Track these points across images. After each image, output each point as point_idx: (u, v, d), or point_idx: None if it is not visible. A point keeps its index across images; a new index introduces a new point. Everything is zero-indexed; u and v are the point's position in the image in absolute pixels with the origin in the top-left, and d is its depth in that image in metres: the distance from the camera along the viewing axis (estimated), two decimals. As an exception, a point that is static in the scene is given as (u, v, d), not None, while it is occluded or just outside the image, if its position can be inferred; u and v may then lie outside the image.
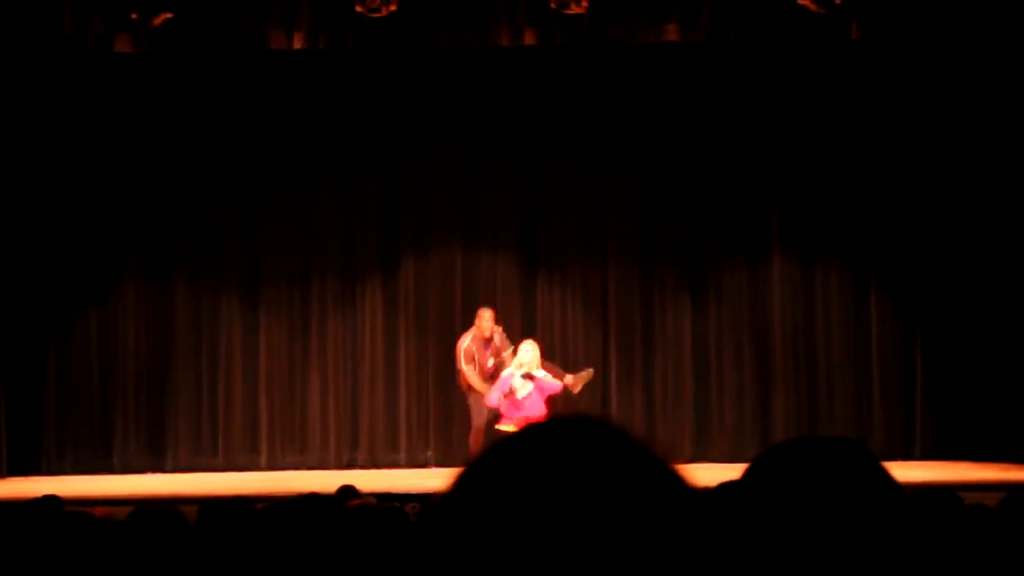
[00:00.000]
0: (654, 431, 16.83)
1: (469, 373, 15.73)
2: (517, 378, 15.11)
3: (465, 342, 15.88)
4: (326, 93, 17.43)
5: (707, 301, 17.42)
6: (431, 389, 17.42)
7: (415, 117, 17.49)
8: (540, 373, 15.17)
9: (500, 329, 16.10)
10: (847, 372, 17.31)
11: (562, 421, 1.35)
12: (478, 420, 15.74)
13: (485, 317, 15.91)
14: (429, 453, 17.32)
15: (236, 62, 17.10)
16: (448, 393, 17.18)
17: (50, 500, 7.80)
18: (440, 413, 17.35)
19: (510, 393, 15.05)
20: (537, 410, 14.75)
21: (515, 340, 16.32)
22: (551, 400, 15.21)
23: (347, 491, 9.02)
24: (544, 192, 17.60)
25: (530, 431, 1.34)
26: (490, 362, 15.70)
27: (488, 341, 15.79)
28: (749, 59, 17.16)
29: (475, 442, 15.65)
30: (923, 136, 17.02)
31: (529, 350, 15.25)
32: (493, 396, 15.17)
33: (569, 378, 15.50)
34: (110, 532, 4.57)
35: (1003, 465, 15.31)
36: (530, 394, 14.96)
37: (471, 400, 15.87)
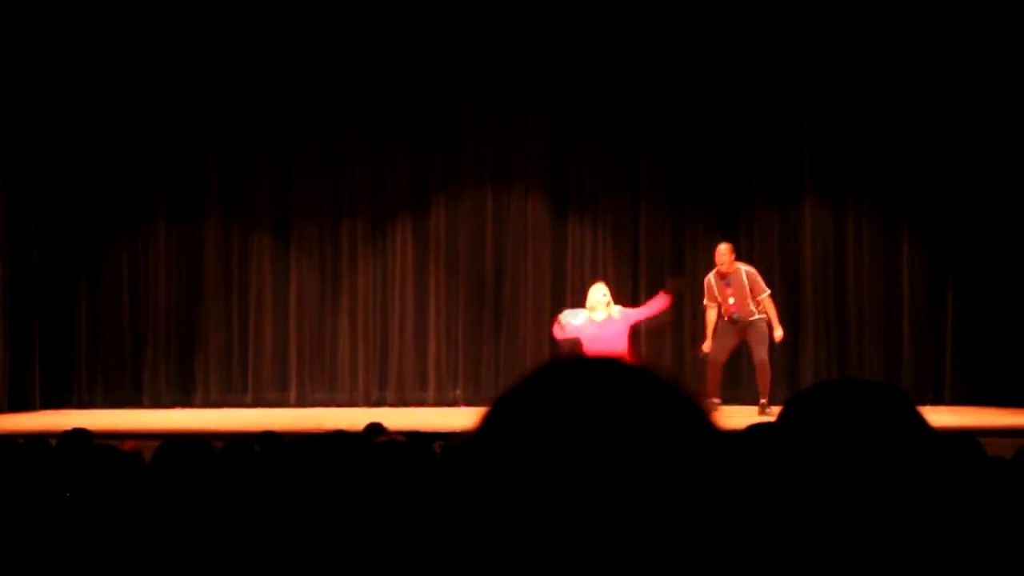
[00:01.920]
0: (684, 374, 16.80)
1: (709, 308, 15.53)
2: (575, 315, 15.01)
3: (708, 277, 15.62)
4: (358, 31, 17.39)
5: (738, 243, 17.32)
6: (460, 328, 17.44)
7: (446, 56, 17.45)
8: (616, 310, 14.99)
9: (753, 271, 15.59)
10: (877, 316, 17.26)
11: (589, 359, 1.34)
12: (717, 354, 15.52)
13: (719, 251, 15.57)
14: (457, 392, 17.35)
15: (269, 0, 17.10)
16: (476, 333, 17.22)
17: (79, 433, 7.84)
18: (469, 352, 17.38)
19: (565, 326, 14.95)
20: (615, 349, 14.54)
21: (546, 283, 16.30)
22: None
23: (375, 428, 9.04)
24: (575, 133, 17.55)
25: (555, 368, 1.33)
26: (730, 300, 15.40)
27: (724, 276, 15.49)
28: (782, 2, 17.06)
29: (712, 375, 15.45)
30: (956, 79, 16.89)
31: (596, 291, 15.08)
32: (566, 329, 15.00)
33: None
34: (137, 465, 4.59)
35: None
36: (601, 335, 14.80)
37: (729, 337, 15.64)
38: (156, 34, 17.29)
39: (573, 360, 1.35)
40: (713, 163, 17.39)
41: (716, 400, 15.44)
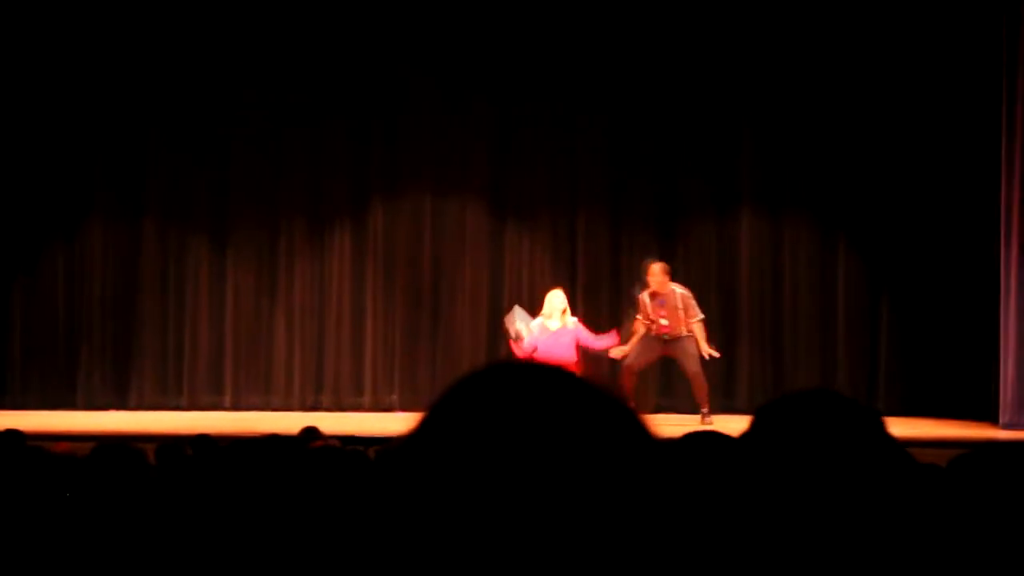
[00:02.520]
0: (609, 382, 16.82)
1: (639, 322, 15.48)
2: (523, 319, 15.05)
3: (642, 294, 15.56)
4: (297, 32, 17.34)
5: (675, 252, 17.39)
6: (397, 334, 17.41)
7: (387, 59, 17.42)
8: (571, 320, 15.03)
9: (687, 294, 15.52)
10: (813, 326, 17.34)
11: (522, 364, 1.34)
12: (634, 360, 15.48)
13: (652, 271, 15.54)
14: (394, 397, 17.32)
15: None
16: (413, 338, 17.21)
17: (11, 434, 7.78)
18: (405, 358, 17.36)
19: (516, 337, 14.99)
20: (564, 358, 14.54)
21: (483, 288, 16.31)
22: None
23: (310, 432, 9.02)
24: (516, 140, 17.55)
25: (489, 373, 1.33)
26: (663, 321, 15.38)
27: (656, 296, 15.46)
28: (723, 7, 17.12)
29: (627, 380, 15.44)
30: (896, 94, 16.99)
31: (553, 298, 15.11)
32: (524, 346, 15.01)
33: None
34: (69, 467, 4.56)
35: (963, 422, 15.42)
36: (553, 343, 14.83)
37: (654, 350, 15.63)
38: (97, 33, 17.19)
39: (506, 365, 1.34)
40: (652, 173, 17.42)
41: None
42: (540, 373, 1.32)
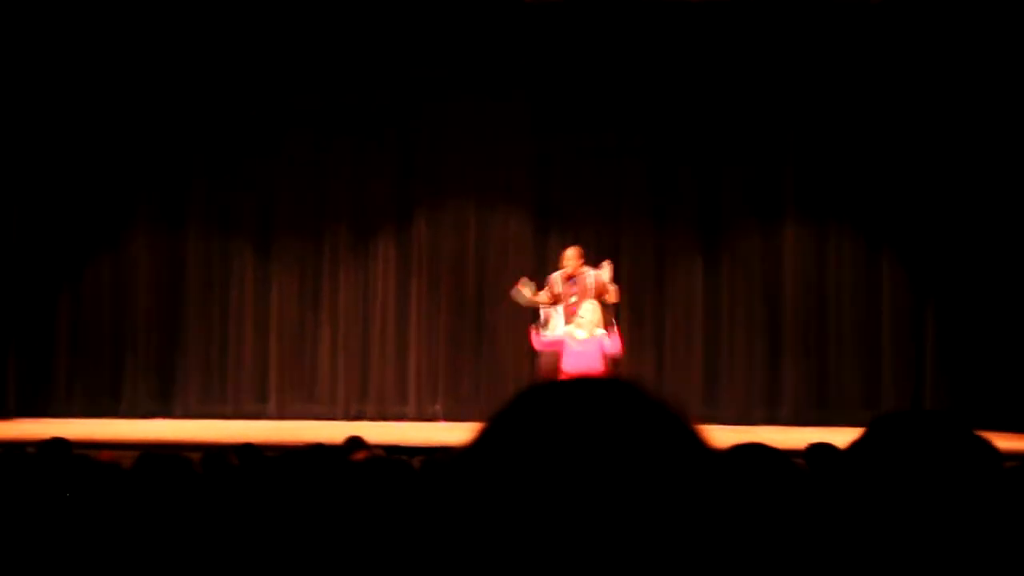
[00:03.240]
0: (663, 392, 16.77)
1: (539, 295, 15.63)
2: (561, 331, 15.07)
3: (553, 274, 15.72)
4: (344, 43, 17.38)
5: (719, 263, 17.38)
6: (441, 343, 17.41)
7: (432, 70, 17.43)
8: (598, 333, 15.07)
9: (602, 273, 15.71)
10: (857, 339, 17.28)
11: (586, 378, 1.34)
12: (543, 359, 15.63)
13: (566, 255, 15.70)
14: (437, 407, 17.32)
15: (255, 10, 17.06)
16: (458, 347, 17.20)
17: (57, 443, 7.81)
18: (449, 367, 17.35)
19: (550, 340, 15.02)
20: (592, 370, 14.59)
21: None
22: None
23: (354, 442, 9.02)
24: (559, 150, 17.54)
25: (551, 387, 1.33)
26: (571, 299, 15.53)
27: (571, 278, 15.60)
28: (768, 21, 17.09)
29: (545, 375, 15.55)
30: (941, 104, 16.93)
31: (587, 310, 15.15)
32: (543, 339, 15.09)
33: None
34: (114, 476, 4.57)
35: (1012, 434, 15.30)
36: (581, 352, 14.85)
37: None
38: (142, 44, 17.25)
39: (568, 380, 1.34)
40: (696, 182, 17.40)
41: None
42: (602, 387, 1.31)
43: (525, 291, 15.38)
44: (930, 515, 1.94)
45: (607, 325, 15.14)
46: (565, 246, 17.31)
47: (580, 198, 17.55)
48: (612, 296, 15.40)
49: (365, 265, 17.66)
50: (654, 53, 17.34)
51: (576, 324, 15.02)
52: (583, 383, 1.33)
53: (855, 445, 2.09)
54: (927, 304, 17.15)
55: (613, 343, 15.17)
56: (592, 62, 17.40)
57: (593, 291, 15.46)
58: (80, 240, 17.39)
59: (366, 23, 17.29)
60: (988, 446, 2.04)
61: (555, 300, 15.52)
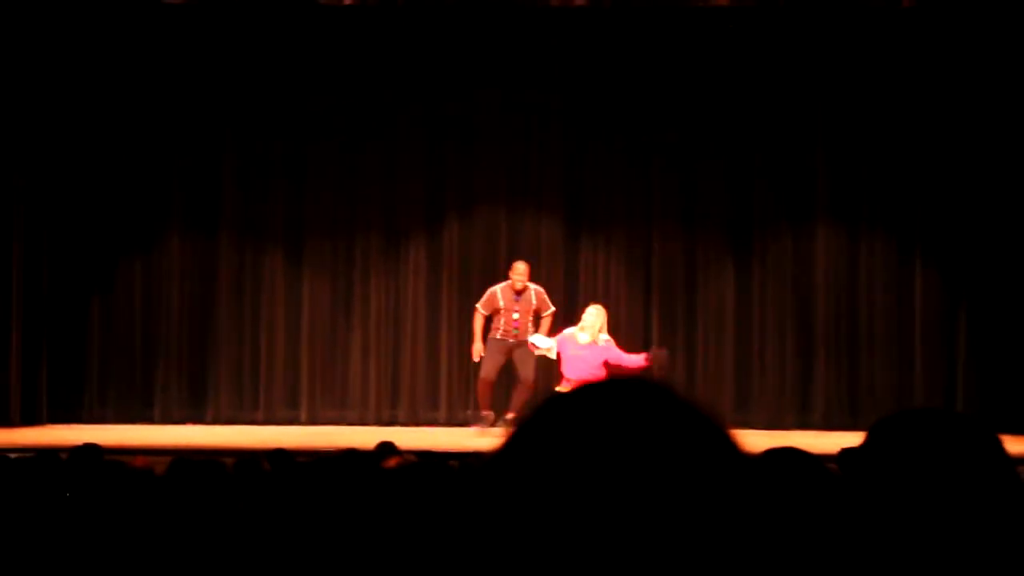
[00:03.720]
0: (695, 395, 16.74)
1: (476, 315, 15.78)
2: (564, 337, 15.08)
3: (496, 286, 15.89)
4: (374, 48, 17.40)
5: (750, 267, 17.36)
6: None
7: (462, 75, 17.45)
8: (602, 338, 15.08)
9: (541, 290, 16.02)
10: (889, 341, 17.22)
11: (617, 381, 1.33)
12: (484, 372, 15.77)
13: (517, 270, 15.90)
14: (469, 412, 17.30)
15: (285, 16, 17.09)
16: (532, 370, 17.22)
17: (90, 449, 7.82)
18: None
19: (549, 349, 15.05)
20: (593, 376, 14.59)
21: (558, 303, 16.30)
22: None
23: (386, 447, 9.03)
24: (590, 154, 17.54)
25: (582, 391, 1.32)
26: (515, 315, 15.69)
27: (519, 293, 15.77)
28: (799, 25, 17.05)
29: (483, 393, 15.73)
30: (973, 106, 16.87)
31: (592, 314, 15.17)
32: (540, 340, 15.16)
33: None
34: (147, 481, 4.58)
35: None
36: (582, 358, 14.86)
37: (497, 356, 15.84)
38: (173, 50, 17.31)
39: (601, 383, 1.33)
40: (727, 187, 17.37)
41: (489, 414, 15.65)
42: (634, 390, 1.31)
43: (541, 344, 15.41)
44: (938, 516, 1.93)
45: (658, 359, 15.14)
46: (596, 251, 17.36)
47: (611, 202, 17.55)
48: (549, 317, 15.71)
49: (396, 270, 17.68)
50: (685, 57, 17.33)
51: (580, 328, 15.05)
52: (614, 386, 1.32)
53: (864, 446, 2.08)
54: (959, 307, 17.09)
55: (630, 357, 15.09)
56: (623, 66, 17.40)
57: (533, 308, 15.67)
58: (112, 246, 17.43)
59: (396, 28, 17.30)
60: (998, 446, 2.02)
61: (496, 312, 15.63)
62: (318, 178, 17.56)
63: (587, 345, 14.95)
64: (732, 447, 1.31)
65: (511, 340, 15.71)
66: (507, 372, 16.04)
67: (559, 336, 15.15)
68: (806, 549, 1.92)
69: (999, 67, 16.69)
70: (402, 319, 17.62)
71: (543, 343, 15.15)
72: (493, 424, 15.61)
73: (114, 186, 17.36)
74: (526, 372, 15.66)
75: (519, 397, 15.57)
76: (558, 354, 15.10)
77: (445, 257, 17.63)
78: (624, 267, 17.59)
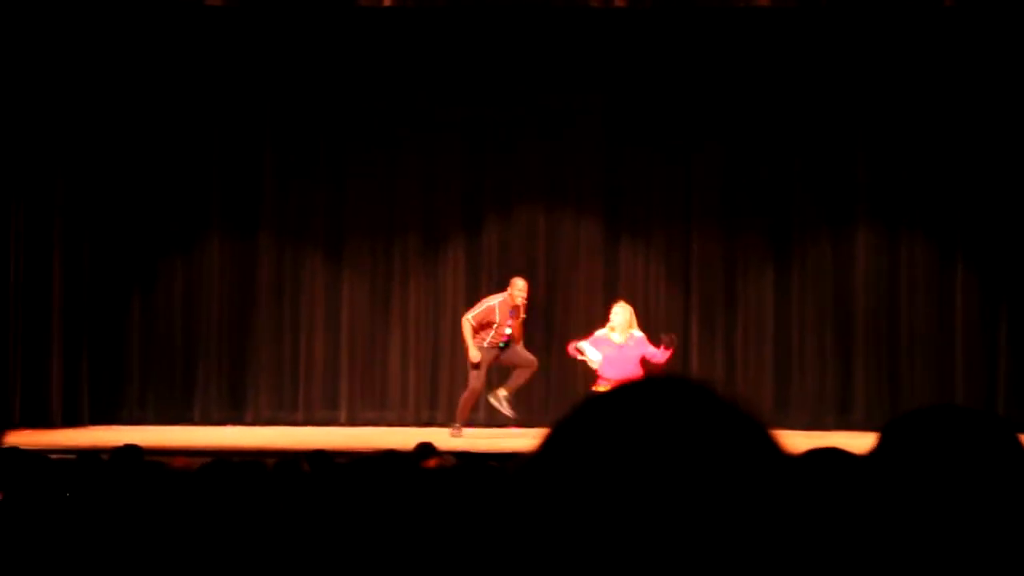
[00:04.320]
0: (736, 395, 16.70)
1: (466, 325, 15.73)
2: (598, 339, 15.05)
3: (493, 300, 15.83)
4: (413, 50, 17.41)
5: (790, 270, 17.31)
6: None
7: (501, 76, 17.46)
8: (635, 334, 15.04)
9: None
10: (929, 346, 17.15)
11: (656, 380, 1.32)
12: (477, 382, 15.75)
13: (518, 286, 15.86)
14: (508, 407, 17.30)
15: (325, 18, 17.11)
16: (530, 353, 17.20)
17: (130, 449, 7.85)
18: (520, 373, 17.32)
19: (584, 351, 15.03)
20: (631, 373, 14.55)
21: (597, 304, 16.28)
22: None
23: (425, 448, 9.03)
24: (629, 156, 17.52)
25: (621, 390, 1.31)
26: (507, 330, 15.70)
27: (516, 310, 15.77)
28: (840, 26, 16.99)
29: (466, 404, 15.73)
30: (1014, 109, 16.78)
31: (618, 313, 15.14)
32: (589, 350, 15.12)
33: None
34: (187, 482, 4.58)
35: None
36: (618, 357, 14.83)
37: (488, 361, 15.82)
38: (214, 52, 17.37)
39: (639, 382, 1.32)
40: (766, 189, 17.33)
41: (462, 431, 15.62)
42: (674, 389, 1.30)
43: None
44: (953, 515, 1.92)
45: (667, 344, 15.11)
46: (635, 253, 17.33)
47: (650, 204, 17.53)
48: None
49: (435, 271, 17.69)
50: (725, 59, 17.29)
51: (610, 328, 15.01)
52: (654, 384, 1.31)
53: (872, 451, 2.06)
54: (1000, 308, 17.01)
55: (658, 351, 15.04)
56: (662, 68, 17.37)
57: (522, 318, 15.83)
58: (152, 246, 17.50)
59: (436, 29, 17.31)
60: (1015, 442, 2.01)
61: (488, 325, 15.59)
62: (357, 179, 17.58)
63: (621, 344, 14.91)
64: (773, 446, 1.29)
65: (501, 345, 15.75)
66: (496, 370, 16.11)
67: (591, 339, 15.08)
68: (847, 548, 1.91)
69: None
70: (441, 320, 17.63)
71: (592, 354, 15.07)
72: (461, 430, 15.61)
73: (154, 187, 17.43)
74: (524, 359, 15.76)
75: (522, 375, 15.64)
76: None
77: (484, 258, 17.64)
78: (663, 269, 17.57)
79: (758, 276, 17.38)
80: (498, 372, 16.29)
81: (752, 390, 17.14)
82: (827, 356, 17.26)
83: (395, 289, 17.70)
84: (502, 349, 15.77)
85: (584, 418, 1.29)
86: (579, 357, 15.17)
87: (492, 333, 15.67)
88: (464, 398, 15.87)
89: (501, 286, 17.37)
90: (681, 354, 16.69)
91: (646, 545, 1.20)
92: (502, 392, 15.73)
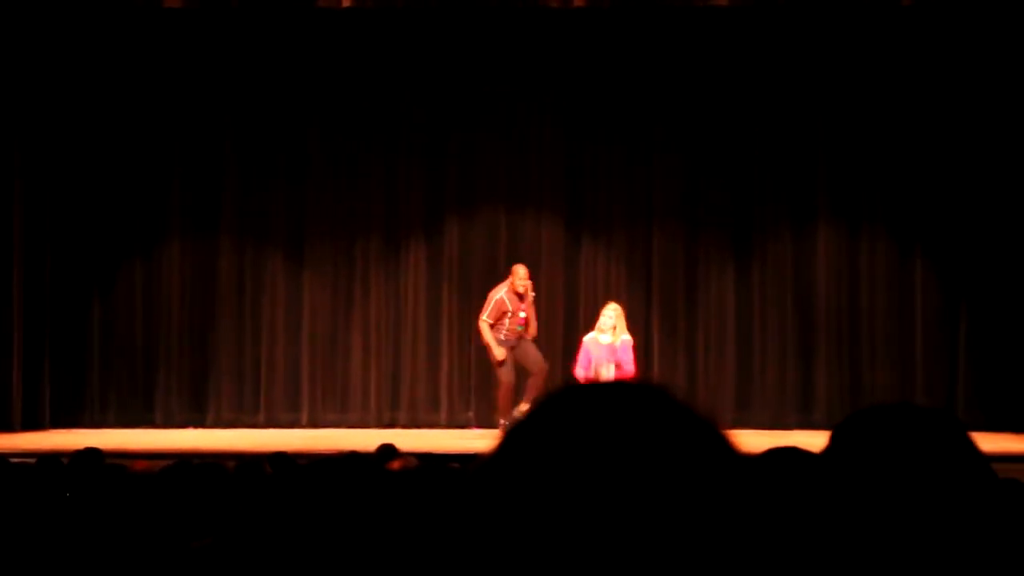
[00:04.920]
0: (696, 397, 16.74)
1: (484, 327, 15.67)
2: (586, 341, 15.04)
3: (499, 293, 15.79)
4: (373, 52, 17.40)
5: (751, 267, 17.35)
6: (473, 350, 17.39)
7: (462, 77, 17.46)
8: (622, 338, 15.02)
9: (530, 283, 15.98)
10: (890, 340, 17.22)
11: (609, 383, 1.33)
12: (509, 377, 15.67)
13: (520, 274, 15.81)
14: (470, 414, 17.32)
15: (285, 19, 17.08)
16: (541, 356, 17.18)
17: (91, 453, 7.83)
18: (482, 374, 17.32)
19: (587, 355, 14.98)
20: (609, 376, 14.52)
21: (559, 303, 16.29)
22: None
23: (388, 450, 9.02)
24: (590, 155, 17.54)
25: (574, 392, 1.32)
26: (521, 315, 15.66)
27: (522, 296, 15.73)
28: (798, 24, 17.05)
29: (504, 399, 15.60)
30: (972, 104, 16.87)
31: (605, 315, 15.12)
32: (580, 365, 15.07)
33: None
34: (148, 485, 4.58)
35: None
36: (600, 358, 14.84)
37: (509, 356, 15.77)
38: (173, 53, 17.32)
39: (590, 384, 1.33)
40: (727, 188, 17.37)
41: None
42: (628, 391, 1.31)
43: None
44: (905, 513, 1.93)
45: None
46: (596, 252, 17.35)
47: (611, 203, 17.55)
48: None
49: (396, 272, 17.67)
50: (685, 56, 17.33)
51: (599, 329, 15.00)
52: (609, 387, 1.32)
53: (824, 450, 2.08)
54: (959, 305, 17.09)
55: (623, 351, 15.07)
56: (623, 66, 17.40)
57: (534, 308, 15.71)
58: (113, 249, 17.45)
59: (396, 30, 17.30)
60: (965, 439, 2.03)
61: (502, 316, 15.57)
62: (318, 180, 17.56)
63: (607, 346, 14.92)
64: (726, 446, 1.30)
65: (515, 339, 15.66)
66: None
67: (584, 346, 15.04)
68: (809, 547, 1.92)
69: (998, 66, 16.69)
70: (402, 321, 17.62)
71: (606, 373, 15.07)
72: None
73: (114, 189, 17.38)
74: (534, 362, 15.63)
75: (535, 384, 15.50)
76: (577, 358, 15.05)
77: (445, 258, 17.63)
78: (625, 267, 17.59)
79: (719, 275, 17.41)
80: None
81: (713, 389, 17.19)
82: (788, 354, 17.30)
83: (356, 291, 17.68)
84: (518, 338, 15.67)
85: (537, 420, 1.30)
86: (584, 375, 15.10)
87: (508, 322, 15.60)
88: (500, 395, 15.75)
89: (462, 287, 17.40)
90: (642, 354, 16.70)
91: (595, 547, 1.21)
92: (523, 407, 15.60)
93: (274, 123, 17.51)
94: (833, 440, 2.09)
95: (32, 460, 8.00)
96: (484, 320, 15.68)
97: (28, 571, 4.08)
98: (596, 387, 1.33)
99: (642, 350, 16.48)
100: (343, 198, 17.59)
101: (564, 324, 17.24)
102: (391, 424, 17.22)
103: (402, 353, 17.59)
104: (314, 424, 17.29)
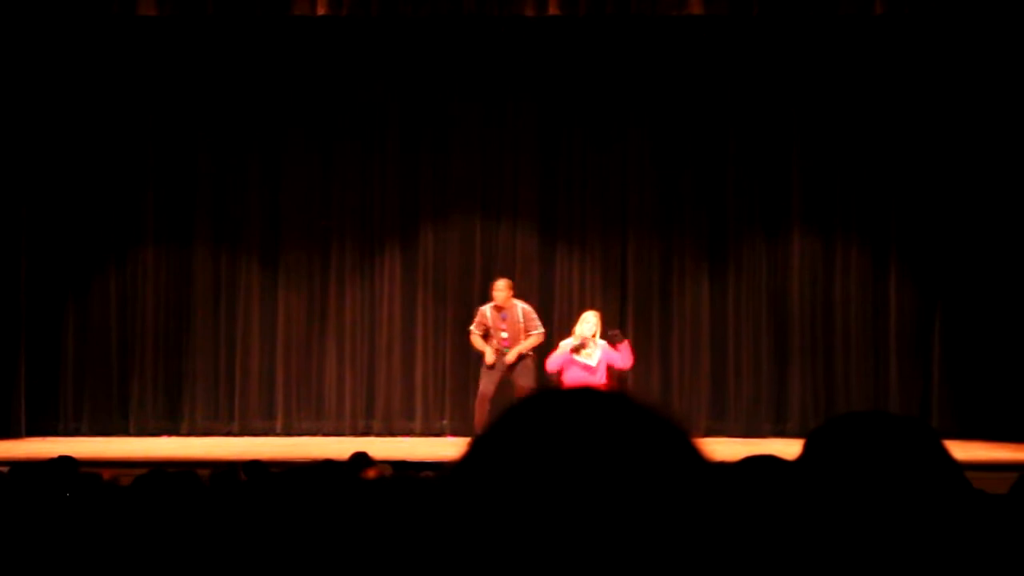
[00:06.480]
0: (670, 405, 16.77)
1: (472, 336, 15.74)
2: (561, 349, 15.05)
3: (482, 307, 15.88)
4: (348, 60, 17.39)
5: (726, 275, 17.37)
6: (448, 358, 17.40)
7: (437, 85, 17.46)
8: (599, 344, 15.04)
9: (529, 309, 15.91)
10: (865, 348, 17.25)
11: (578, 391, 1.33)
12: (485, 388, 15.68)
13: (495, 287, 15.87)
14: (445, 422, 17.31)
15: (259, 27, 17.05)
16: (464, 362, 17.15)
17: (65, 461, 7.81)
18: (456, 382, 17.33)
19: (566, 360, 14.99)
20: (592, 382, 14.55)
21: (536, 310, 16.31)
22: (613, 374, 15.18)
23: (361, 458, 9.02)
24: (565, 162, 17.55)
25: (540, 399, 1.32)
26: (503, 335, 15.65)
27: (500, 310, 15.73)
28: (772, 34, 17.07)
29: (480, 410, 15.60)
30: (945, 113, 16.93)
31: (581, 323, 15.14)
32: (550, 362, 15.11)
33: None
34: (120, 494, 4.57)
35: (1019, 445, 15.27)
36: (581, 366, 14.86)
37: (483, 367, 15.80)
38: (147, 60, 17.28)
39: (557, 392, 1.33)
40: (701, 196, 17.39)
41: None
42: (592, 398, 1.31)
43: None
44: (878, 521, 1.94)
45: (614, 340, 15.14)
46: (571, 259, 17.37)
47: (586, 211, 17.56)
48: (535, 337, 15.66)
49: (371, 280, 17.65)
50: (660, 66, 17.35)
51: (574, 339, 15.02)
52: (578, 395, 1.32)
53: (798, 459, 2.09)
54: (934, 313, 17.13)
55: (624, 356, 15.15)
56: (597, 75, 17.41)
57: (522, 325, 15.63)
58: (85, 255, 17.39)
59: (371, 38, 17.28)
60: (938, 447, 2.03)
61: (486, 332, 15.63)
62: (293, 187, 17.53)
63: (585, 365, 14.96)
64: (695, 455, 1.30)
65: (499, 357, 15.64)
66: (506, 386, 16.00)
67: (558, 351, 15.08)
68: (784, 554, 1.92)
69: (970, 73, 16.74)
70: (377, 329, 17.60)
71: (551, 363, 15.10)
72: None
73: (89, 196, 17.32)
74: (521, 388, 15.55)
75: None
76: (561, 369, 15.06)
77: (420, 266, 17.62)
78: (599, 275, 17.59)
79: (694, 282, 17.43)
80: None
81: (688, 397, 17.21)
82: (763, 362, 17.31)
83: (331, 298, 17.65)
84: (509, 362, 15.64)
85: (504, 428, 1.30)
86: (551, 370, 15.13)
87: (494, 341, 15.65)
88: (476, 404, 15.76)
89: (437, 295, 17.43)
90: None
91: (560, 553, 1.21)
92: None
93: (249, 130, 17.48)
94: (807, 448, 2.09)
95: (5, 469, 7.97)
96: (472, 328, 15.78)
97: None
98: (565, 394, 1.33)
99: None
100: (317, 205, 17.57)
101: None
102: (366, 432, 17.20)
103: (377, 361, 17.57)
104: (289, 432, 17.26)
